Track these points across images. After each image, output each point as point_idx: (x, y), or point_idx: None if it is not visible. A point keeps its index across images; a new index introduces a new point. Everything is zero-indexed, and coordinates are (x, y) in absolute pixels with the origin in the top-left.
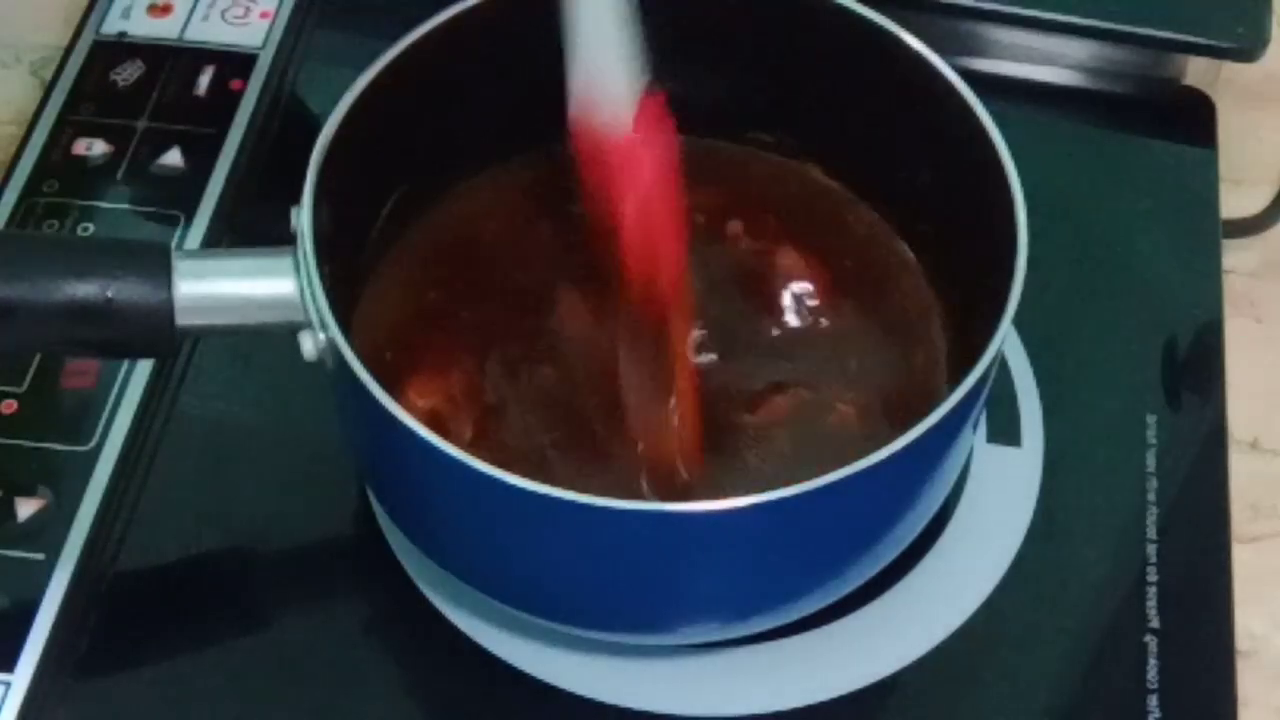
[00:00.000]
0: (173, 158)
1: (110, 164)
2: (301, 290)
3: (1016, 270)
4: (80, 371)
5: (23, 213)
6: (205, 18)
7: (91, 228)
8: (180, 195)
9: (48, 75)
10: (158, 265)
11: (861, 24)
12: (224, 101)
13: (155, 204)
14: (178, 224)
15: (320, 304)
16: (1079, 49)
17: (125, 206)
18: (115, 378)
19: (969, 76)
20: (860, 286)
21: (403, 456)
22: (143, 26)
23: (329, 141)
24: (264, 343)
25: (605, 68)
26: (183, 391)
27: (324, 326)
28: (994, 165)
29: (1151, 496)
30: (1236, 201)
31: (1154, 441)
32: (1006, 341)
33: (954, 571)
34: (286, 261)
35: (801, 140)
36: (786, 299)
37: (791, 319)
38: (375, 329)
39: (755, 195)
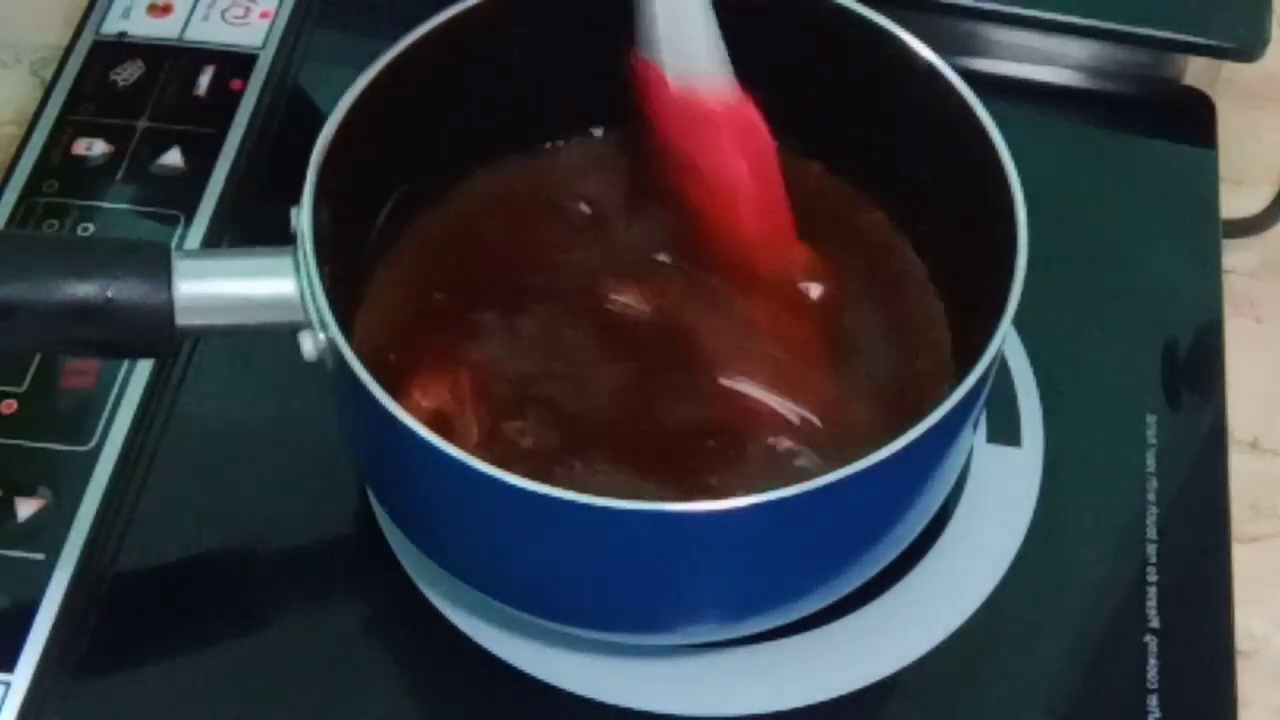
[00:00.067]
0: (173, 158)
1: (110, 164)
2: (301, 290)
3: (1016, 270)
4: (80, 371)
5: (23, 213)
6: (205, 18)
7: (91, 228)
8: (180, 195)
9: (48, 75)
10: (158, 265)
11: (861, 24)
12: (224, 101)
13: (155, 204)
14: (178, 224)
15: (320, 304)
16: (1079, 49)
17: (125, 206)
18: (115, 378)
19: (969, 76)
20: (861, 286)
21: (403, 457)
22: (143, 26)
23: (329, 141)
24: (264, 343)
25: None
26: (183, 391)
27: (324, 326)
28: (994, 165)
29: (1151, 496)
30: (1236, 201)
31: (1154, 441)
32: (1006, 341)
33: (954, 571)
34: (286, 261)
35: (802, 140)
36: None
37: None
38: (375, 329)
39: None
